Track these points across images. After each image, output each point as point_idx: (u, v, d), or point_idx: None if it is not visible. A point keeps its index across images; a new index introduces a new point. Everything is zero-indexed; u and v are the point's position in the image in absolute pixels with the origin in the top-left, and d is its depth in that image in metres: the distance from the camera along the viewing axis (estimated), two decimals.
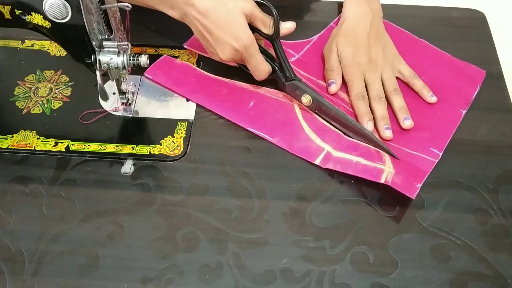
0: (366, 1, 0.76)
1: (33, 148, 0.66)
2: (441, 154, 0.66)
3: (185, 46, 0.76)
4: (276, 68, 0.70)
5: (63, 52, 0.76)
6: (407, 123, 0.69)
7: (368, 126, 0.68)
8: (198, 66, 0.75)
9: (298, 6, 0.83)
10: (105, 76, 0.64)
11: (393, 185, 0.62)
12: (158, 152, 0.67)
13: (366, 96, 0.71)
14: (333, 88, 0.72)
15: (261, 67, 0.69)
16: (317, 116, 0.69)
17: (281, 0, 0.83)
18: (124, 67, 0.61)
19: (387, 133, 0.68)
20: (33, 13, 0.58)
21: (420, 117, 0.70)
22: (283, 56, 0.70)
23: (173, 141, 0.68)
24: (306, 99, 0.69)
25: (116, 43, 0.61)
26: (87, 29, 0.58)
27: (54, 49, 0.76)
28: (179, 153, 0.67)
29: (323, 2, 0.84)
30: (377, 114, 0.69)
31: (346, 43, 0.74)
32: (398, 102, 0.71)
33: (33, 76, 0.73)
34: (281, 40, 0.70)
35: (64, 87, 0.72)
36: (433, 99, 0.72)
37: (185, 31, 0.78)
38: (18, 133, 0.68)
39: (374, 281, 0.58)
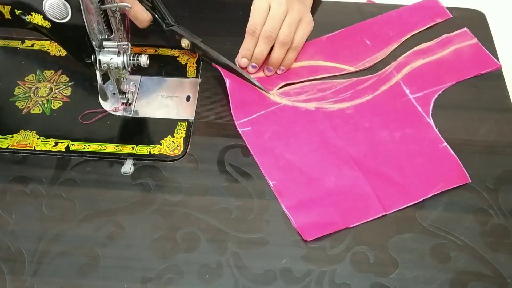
0: None
1: (33, 148, 0.66)
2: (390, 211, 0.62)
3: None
4: (156, 16, 0.72)
5: (63, 52, 0.76)
6: (260, 71, 0.73)
7: (241, 62, 0.71)
8: (198, 66, 0.75)
9: None
10: (105, 76, 0.64)
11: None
12: (158, 152, 0.67)
13: (258, 31, 0.70)
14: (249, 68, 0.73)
15: (140, 16, 0.70)
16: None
17: None
18: (124, 67, 0.62)
19: (250, 69, 0.72)
20: (33, 13, 0.58)
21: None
22: (161, 3, 0.71)
23: (173, 141, 0.68)
24: (184, 43, 0.72)
25: (116, 43, 0.61)
26: (87, 29, 0.58)
27: (54, 49, 0.76)
28: (179, 153, 0.67)
29: (325, 2, 0.84)
30: (256, 51, 0.71)
31: None
32: (277, 54, 0.70)
33: (33, 76, 0.73)
34: None
35: (64, 87, 0.72)
36: (278, 71, 0.73)
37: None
38: (18, 133, 0.68)
39: (374, 281, 0.58)
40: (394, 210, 0.62)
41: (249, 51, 0.71)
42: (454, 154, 0.66)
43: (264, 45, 0.70)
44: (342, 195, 0.63)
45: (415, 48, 0.76)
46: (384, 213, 0.62)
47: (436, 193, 0.63)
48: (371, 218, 0.61)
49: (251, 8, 0.71)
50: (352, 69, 0.74)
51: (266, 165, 0.65)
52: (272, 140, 0.67)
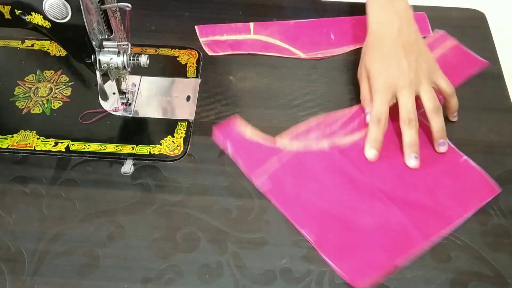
0: (390, 4, 0.69)
1: (33, 148, 0.66)
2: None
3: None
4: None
5: (63, 52, 0.76)
6: (441, 148, 0.65)
7: (369, 153, 0.65)
8: (198, 66, 0.75)
9: (297, 6, 0.83)
10: (105, 76, 0.64)
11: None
12: (158, 152, 0.67)
13: (383, 120, 0.65)
14: (368, 119, 0.67)
15: None
16: None
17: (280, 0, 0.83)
18: (124, 67, 0.62)
19: (413, 163, 0.64)
20: (33, 13, 0.58)
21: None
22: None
23: (173, 141, 0.68)
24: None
25: (116, 43, 0.61)
26: (87, 29, 0.58)
27: (54, 49, 0.76)
28: (179, 153, 0.67)
29: (325, 3, 0.84)
30: (405, 139, 0.64)
31: (373, 61, 0.68)
32: (437, 123, 0.64)
33: (33, 76, 0.73)
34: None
35: (64, 87, 0.72)
36: (454, 119, 0.68)
37: (185, 31, 0.78)
38: (18, 133, 0.68)
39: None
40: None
41: (377, 141, 0.65)
42: (477, 166, 0.65)
43: (409, 131, 0.64)
44: (382, 233, 0.60)
45: None
46: (427, 243, 0.60)
47: (472, 213, 0.62)
48: (416, 251, 0.59)
49: (373, 94, 0.66)
50: (302, 55, 0.76)
51: (298, 218, 0.61)
52: (295, 191, 0.63)
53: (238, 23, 0.79)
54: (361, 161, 0.65)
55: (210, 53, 0.76)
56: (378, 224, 0.61)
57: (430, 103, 0.65)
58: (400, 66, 0.66)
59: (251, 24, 0.78)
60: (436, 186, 0.64)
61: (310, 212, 0.62)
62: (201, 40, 0.77)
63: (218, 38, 0.78)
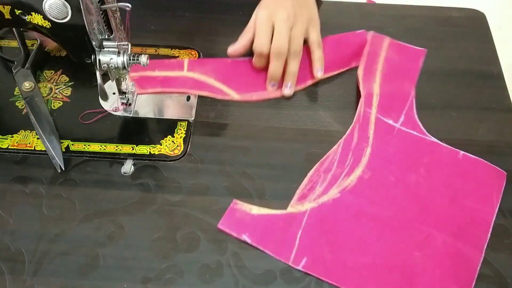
0: None
1: (33, 148, 0.66)
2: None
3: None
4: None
5: (63, 52, 0.76)
6: (286, 92, 0.71)
7: (270, 88, 0.71)
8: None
9: None
10: (105, 76, 0.64)
11: (229, 211, 0.60)
12: (158, 152, 0.67)
13: (265, 52, 0.69)
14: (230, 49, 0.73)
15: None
16: None
17: None
18: (124, 67, 0.61)
19: (269, 88, 0.71)
20: (33, 13, 0.58)
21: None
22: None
23: (173, 141, 0.68)
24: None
25: (116, 43, 0.61)
26: (87, 29, 0.58)
27: (54, 49, 0.76)
28: (179, 153, 0.67)
29: (325, 2, 0.84)
30: (270, 70, 0.70)
31: (264, 7, 0.71)
32: (292, 66, 0.70)
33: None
34: None
35: (64, 87, 0.72)
36: (318, 74, 0.72)
37: (185, 31, 0.78)
38: (18, 133, 0.68)
39: None
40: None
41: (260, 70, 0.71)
42: (475, 157, 0.65)
43: (277, 62, 0.69)
44: (438, 266, 0.57)
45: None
46: (481, 256, 0.58)
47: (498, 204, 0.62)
48: (478, 268, 0.57)
49: (256, 24, 0.70)
50: (236, 96, 0.71)
51: (352, 283, 0.57)
52: (329, 253, 0.59)
53: (172, 59, 0.74)
54: (378, 195, 0.63)
55: (138, 92, 0.70)
56: (428, 257, 0.58)
57: (294, 44, 0.69)
58: (284, 5, 0.70)
59: (185, 61, 0.73)
60: (453, 192, 0.63)
61: (353, 272, 0.57)
62: (131, 75, 0.69)
63: (149, 73, 0.72)
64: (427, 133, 0.68)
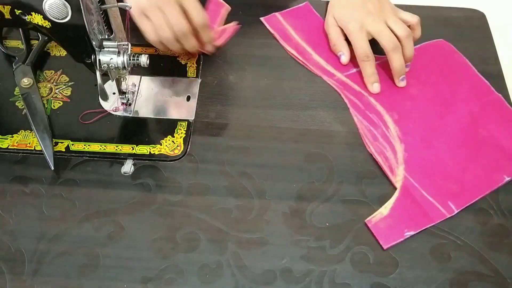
0: None
1: (33, 148, 0.66)
2: (456, 211, 0.62)
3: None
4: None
5: (63, 52, 0.76)
6: (401, 83, 0.72)
7: (374, 88, 0.71)
8: (198, 66, 0.75)
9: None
10: (105, 76, 0.64)
11: (373, 229, 0.61)
12: (158, 152, 0.67)
13: (371, 56, 0.71)
14: (344, 59, 0.74)
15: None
16: None
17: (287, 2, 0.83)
18: (124, 67, 0.61)
19: (400, 83, 0.72)
20: (33, 13, 0.58)
21: (459, 168, 0.65)
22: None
23: (173, 141, 0.68)
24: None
25: (116, 43, 0.61)
26: (87, 29, 0.58)
27: (54, 49, 0.76)
28: (179, 153, 0.67)
29: (326, 2, 0.84)
30: (394, 65, 0.71)
31: (341, 8, 0.75)
32: (410, 48, 0.71)
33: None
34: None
35: (64, 87, 0.72)
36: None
37: None
38: (18, 133, 0.68)
39: (374, 281, 0.58)
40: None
41: (375, 74, 0.72)
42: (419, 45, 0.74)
43: (399, 56, 0.70)
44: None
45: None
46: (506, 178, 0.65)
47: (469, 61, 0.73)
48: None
49: (351, 36, 0.72)
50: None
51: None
52: (454, 183, 0.65)
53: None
54: (414, 119, 0.70)
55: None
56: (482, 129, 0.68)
57: (401, 30, 0.71)
58: (366, 8, 0.72)
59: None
60: (443, 77, 0.73)
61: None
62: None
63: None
64: (379, 56, 0.73)
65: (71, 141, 0.67)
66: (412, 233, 0.61)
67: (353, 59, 0.74)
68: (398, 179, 0.64)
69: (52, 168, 0.64)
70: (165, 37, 0.68)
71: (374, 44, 0.73)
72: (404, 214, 0.62)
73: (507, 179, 0.64)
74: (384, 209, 0.62)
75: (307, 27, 0.79)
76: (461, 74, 0.74)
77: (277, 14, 0.80)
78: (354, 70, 0.74)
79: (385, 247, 0.60)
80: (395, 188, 0.64)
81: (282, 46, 0.77)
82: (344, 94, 0.72)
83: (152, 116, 0.70)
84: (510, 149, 0.67)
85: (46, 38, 0.75)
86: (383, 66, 0.74)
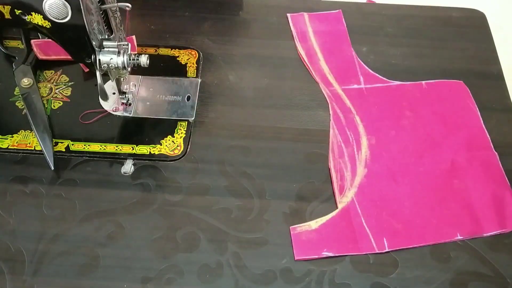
0: None
1: (33, 148, 0.66)
2: (387, 250, 0.60)
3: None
4: None
5: None
6: None
7: None
8: (198, 66, 0.75)
9: (297, 6, 0.83)
10: (105, 76, 0.64)
11: (293, 237, 0.60)
12: (158, 152, 0.67)
13: None
14: None
15: None
16: None
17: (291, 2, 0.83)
18: (124, 67, 0.61)
19: None
20: (33, 13, 0.58)
21: (412, 210, 0.63)
22: None
23: (173, 141, 0.68)
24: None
25: (116, 43, 0.61)
26: (87, 29, 0.58)
27: None
28: (179, 153, 0.67)
29: (326, 2, 0.84)
30: None
31: None
32: None
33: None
34: None
35: (64, 87, 0.72)
36: None
37: (185, 31, 0.78)
38: (18, 133, 0.68)
39: (374, 281, 0.58)
40: None
41: None
42: (434, 80, 0.73)
43: None
44: (472, 176, 0.65)
45: None
46: (495, 153, 0.66)
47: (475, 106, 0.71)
48: (499, 163, 0.65)
49: None
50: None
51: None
52: (397, 223, 0.62)
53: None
54: (389, 152, 0.67)
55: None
56: (464, 177, 0.65)
57: None
58: None
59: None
60: (440, 116, 0.70)
61: (428, 223, 0.61)
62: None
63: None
64: (387, 80, 0.73)
65: (71, 141, 0.67)
66: (330, 254, 0.59)
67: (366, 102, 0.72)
68: (343, 200, 0.63)
69: (52, 168, 0.64)
70: None
71: (379, 69, 0.74)
72: (332, 235, 0.60)
73: (459, 237, 0.60)
74: (315, 223, 0.61)
75: (328, 34, 0.78)
76: (465, 121, 0.70)
77: (305, 14, 0.80)
78: (355, 86, 0.73)
79: (296, 258, 0.59)
80: (336, 208, 0.63)
81: (295, 45, 0.77)
82: (332, 105, 0.71)
83: (152, 116, 0.70)
84: (479, 210, 0.62)
85: (46, 38, 0.75)
86: (385, 91, 0.72)
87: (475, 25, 0.80)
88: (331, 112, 0.71)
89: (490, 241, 0.60)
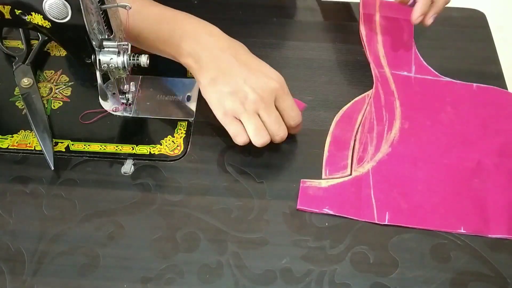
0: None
1: (33, 148, 0.66)
2: (386, 223, 0.61)
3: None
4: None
5: (63, 52, 0.76)
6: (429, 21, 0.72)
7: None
8: None
9: (297, 7, 0.83)
10: (105, 76, 0.64)
11: (301, 189, 0.63)
12: (158, 152, 0.67)
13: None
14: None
15: None
16: None
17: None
18: (124, 67, 0.61)
19: (430, 21, 0.72)
20: (33, 13, 0.58)
21: (422, 195, 0.63)
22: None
23: (173, 141, 0.68)
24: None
25: (116, 43, 0.61)
26: (87, 29, 0.58)
27: (54, 49, 0.76)
28: (179, 153, 0.67)
29: (325, 2, 0.84)
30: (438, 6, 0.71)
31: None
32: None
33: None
34: None
35: (64, 87, 0.72)
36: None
37: None
38: (18, 133, 0.68)
39: (374, 281, 0.58)
40: None
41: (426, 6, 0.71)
42: (486, 85, 0.73)
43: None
44: (494, 181, 0.64)
45: None
46: None
47: None
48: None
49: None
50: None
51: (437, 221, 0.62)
52: (405, 203, 0.63)
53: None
54: (419, 139, 0.68)
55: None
56: (485, 179, 0.64)
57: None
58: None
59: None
60: (482, 120, 0.69)
61: (435, 211, 0.62)
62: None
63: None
64: (439, 75, 0.73)
65: (71, 141, 0.67)
66: (330, 212, 0.62)
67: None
68: (359, 170, 0.65)
69: (52, 168, 0.64)
70: (263, 142, 0.63)
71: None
72: (338, 197, 0.63)
73: (462, 231, 0.61)
74: (325, 182, 0.63)
75: (394, 21, 0.79)
76: (504, 128, 0.69)
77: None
78: (405, 73, 0.74)
79: (297, 207, 0.62)
80: (350, 174, 0.64)
81: (358, 27, 0.79)
82: (376, 84, 0.73)
83: (152, 116, 0.70)
84: (491, 211, 0.62)
85: (46, 38, 0.75)
86: (433, 84, 0.73)
87: (475, 25, 0.80)
88: (373, 90, 0.72)
89: (490, 241, 0.60)
